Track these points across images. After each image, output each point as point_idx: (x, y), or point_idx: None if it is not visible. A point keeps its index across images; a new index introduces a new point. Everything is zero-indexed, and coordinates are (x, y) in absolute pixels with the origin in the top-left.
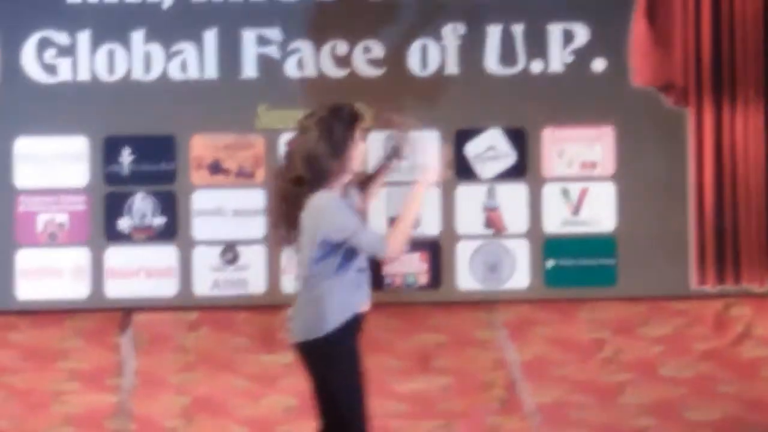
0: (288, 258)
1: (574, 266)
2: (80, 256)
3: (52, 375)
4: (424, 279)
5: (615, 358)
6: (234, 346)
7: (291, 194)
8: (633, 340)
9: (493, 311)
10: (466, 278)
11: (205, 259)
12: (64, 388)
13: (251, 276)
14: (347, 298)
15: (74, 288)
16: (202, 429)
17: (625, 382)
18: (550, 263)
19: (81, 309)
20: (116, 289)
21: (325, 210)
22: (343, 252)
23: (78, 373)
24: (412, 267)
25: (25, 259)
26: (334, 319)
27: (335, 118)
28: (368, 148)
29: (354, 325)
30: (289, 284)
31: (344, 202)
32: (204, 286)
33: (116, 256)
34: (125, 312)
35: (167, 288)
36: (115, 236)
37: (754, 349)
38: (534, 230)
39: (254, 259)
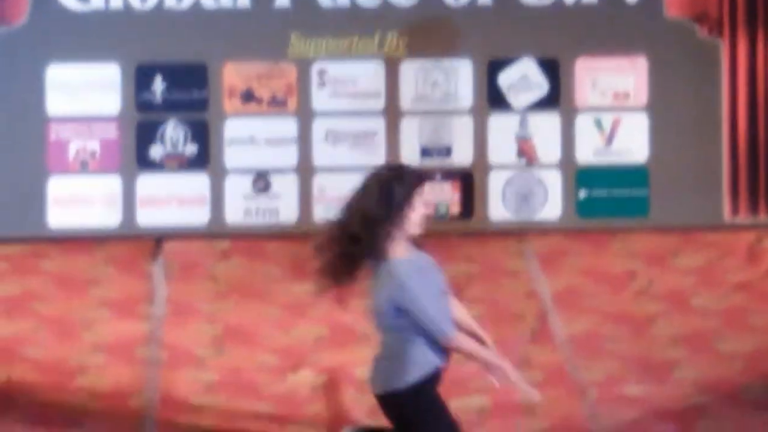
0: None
1: (606, 197)
2: (112, 185)
3: (83, 303)
4: (456, 209)
5: (647, 289)
6: (265, 275)
7: (346, 251)
8: (665, 271)
9: (525, 242)
10: (498, 208)
11: (236, 188)
12: (94, 316)
13: (283, 205)
14: (428, 350)
15: (106, 216)
16: (233, 357)
17: (657, 314)
18: (583, 194)
19: (112, 237)
20: (148, 218)
21: (404, 284)
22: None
23: (109, 301)
24: (444, 197)
25: (56, 187)
26: (416, 371)
27: (397, 181)
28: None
29: (435, 378)
30: (319, 213)
31: (418, 269)
32: (235, 214)
33: (148, 184)
34: (156, 240)
35: (199, 216)
36: (146, 164)
37: None
38: (566, 160)
39: (286, 187)
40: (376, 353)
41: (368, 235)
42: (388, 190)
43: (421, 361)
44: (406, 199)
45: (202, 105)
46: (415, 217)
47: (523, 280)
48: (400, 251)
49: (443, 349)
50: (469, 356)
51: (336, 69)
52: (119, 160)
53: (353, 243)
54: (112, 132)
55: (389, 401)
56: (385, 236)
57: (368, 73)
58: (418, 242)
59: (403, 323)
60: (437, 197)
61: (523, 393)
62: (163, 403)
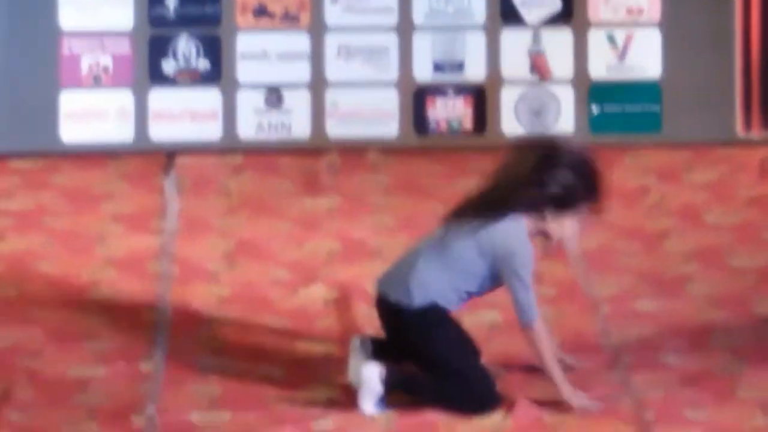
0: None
1: (619, 112)
2: (124, 99)
3: (95, 217)
4: (468, 124)
5: (659, 204)
6: (278, 190)
7: (505, 188)
8: (678, 186)
9: None
10: (510, 123)
11: (249, 103)
12: (107, 231)
13: (295, 120)
14: (446, 295)
15: (118, 131)
16: (245, 272)
17: (670, 229)
18: (595, 109)
19: (125, 152)
20: (160, 132)
21: (521, 248)
22: (487, 277)
23: (121, 215)
24: (457, 112)
25: (69, 101)
26: (429, 298)
27: (575, 173)
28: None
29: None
30: (333, 128)
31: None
32: (248, 129)
33: (160, 98)
34: (169, 155)
35: (211, 131)
36: (159, 79)
37: None
38: (579, 76)
39: (298, 103)
40: (401, 265)
41: (556, 199)
42: (581, 173)
43: (438, 294)
44: (569, 194)
45: (214, 20)
46: (562, 227)
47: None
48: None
49: (452, 306)
50: (538, 355)
51: None
52: (132, 75)
53: (523, 193)
54: (124, 47)
55: (395, 310)
56: (525, 200)
57: None
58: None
59: (463, 264)
60: (449, 113)
61: (582, 409)
62: (176, 317)
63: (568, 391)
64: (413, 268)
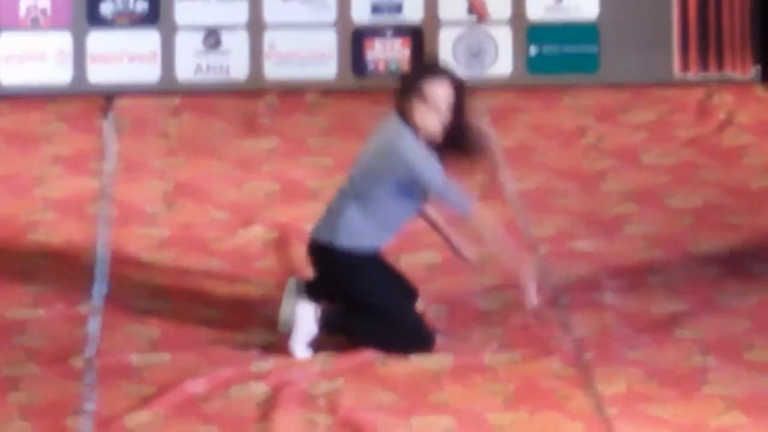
0: None
1: (557, 53)
2: (63, 41)
3: (34, 159)
4: (406, 65)
5: (597, 145)
6: (216, 132)
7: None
8: (615, 126)
9: (476, 98)
10: (449, 64)
11: (187, 45)
12: (45, 173)
13: (233, 61)
14: (374, 232)
15: (56, 73)
16: (184, 213)
17: (607, 169)
18: (533, 50)
19: (63, 94)
20: (99, 74)
21: (412, 154)
22: (404, 193)
23: (60, 157)
24: (395, 53)
25: (7, 43)
26: (355, 241)
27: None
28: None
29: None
30: (271, 70)
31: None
32: (186, 71)
33: (98, 41)
34: (107, 97)
35: (149, 73)
36: (97, 21)
37: (735, 137)
38: (517, 17)
39: (236, 44)
40: (330, 207)
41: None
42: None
43: (363, 236)
44: (412, 85)
45: None
46: (427, 113)
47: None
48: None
49: (387, 237)
50: (488, 238)
51: None
52: (70, 17)
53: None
54: None
55: (323, 251)
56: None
57: None
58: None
59: (377, 194)
60: (388, 54)
61: (525, 295)
62: (115, 259)
63: (516, 262)
64: (339, 211)
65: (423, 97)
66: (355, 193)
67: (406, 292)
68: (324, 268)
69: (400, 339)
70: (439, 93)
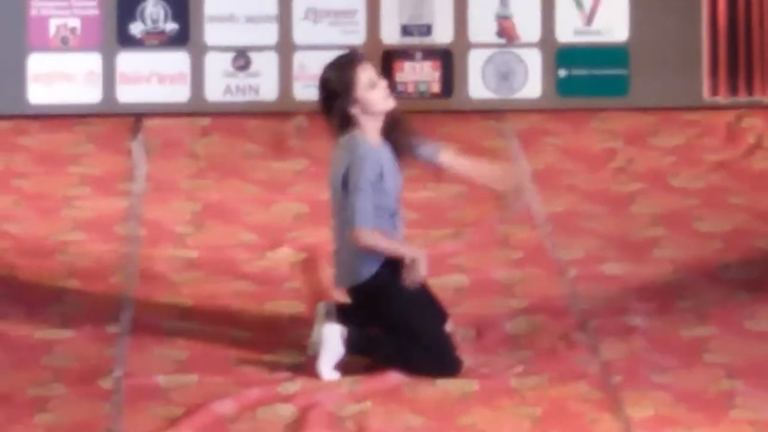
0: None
1: (586, 76)
2: (92, 61)
3: (62, 179)
4: (435, 87)
5: (626, 168)
6: (245, 153)
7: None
8: (644, 150)
9: (505, 120)
10: (478, 87)
11: (216, 66)
12: (74, 193)
13: (263, 82)
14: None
15: (86, 93)
16: (212, 234)
17: (636, 192)
18: (562, 72)
19: (92, 114)
20: (128, 95)
21: (355, 157)
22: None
23: (89, 177)
24: (424, 75)
25: (36, 63)
26: (369, 264)
27: (330, 70)
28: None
29: (394, 263)
30: (300, 91)
31: (377, 156)
32: (216, 92)
33: (128, 61)
34: (137, 117)
35: (179, 94)
36: (127, 41)
37: (765, 161)
38: (546, 39)
39: (266, 65)
40: (334, 252)
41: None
42: (325, 82)
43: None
44: (347, 82)
45: None
46: (373, 95)
47: (503, 159)
48: (369, 135)
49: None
50: (381, 251)
51: None
52: (100, 37)
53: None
54: (92, 8)
55: (359, 292)
56: (345, 118)
57: None
58: (399, 119)
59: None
60: (417, 76)
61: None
62: (143, 280)
63: (409, 252)
64: (339, 250)
65: (356, 97)
66: (339, 214)
67: (439, 313)
68: (367, 306)
69: (429, 362)
70: (365, 75)
